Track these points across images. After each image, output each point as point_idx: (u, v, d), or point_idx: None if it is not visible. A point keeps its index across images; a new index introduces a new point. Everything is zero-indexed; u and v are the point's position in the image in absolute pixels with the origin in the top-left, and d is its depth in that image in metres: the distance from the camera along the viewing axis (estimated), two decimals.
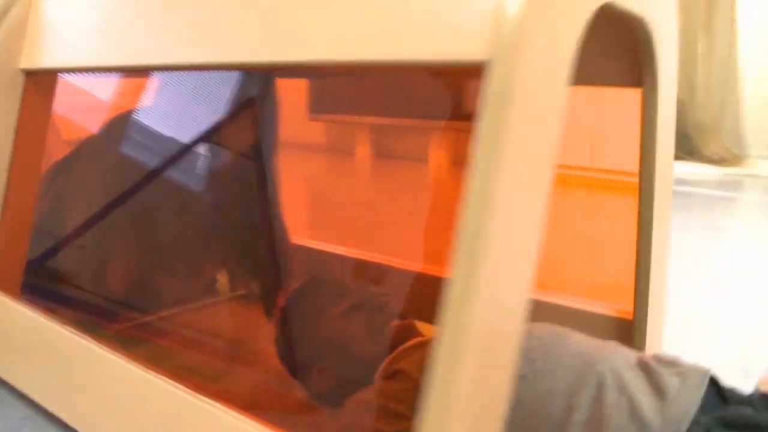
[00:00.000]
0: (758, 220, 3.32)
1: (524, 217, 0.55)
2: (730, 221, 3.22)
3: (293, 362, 1.00)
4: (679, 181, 4.36)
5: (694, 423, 0.71)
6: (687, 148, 5.35)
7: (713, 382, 0.76)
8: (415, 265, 1.27)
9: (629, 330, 0.97)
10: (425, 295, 1.22)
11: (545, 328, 0.87)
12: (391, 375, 0.87)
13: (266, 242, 1.29)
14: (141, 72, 1.16)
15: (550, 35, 0.53)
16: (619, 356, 0.79)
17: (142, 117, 1.29)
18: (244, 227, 1.29)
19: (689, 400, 0.73)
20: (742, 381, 0.89)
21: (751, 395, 0.78)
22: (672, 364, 0.79)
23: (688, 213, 3.32)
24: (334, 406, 0.90)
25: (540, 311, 1.15)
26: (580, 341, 0.83)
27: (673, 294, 1.91)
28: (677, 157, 5.21)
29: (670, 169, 0.95)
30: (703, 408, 0.73)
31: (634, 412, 0.72)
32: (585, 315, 1.07)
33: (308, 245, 1.42)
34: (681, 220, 3.11)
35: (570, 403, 0.74)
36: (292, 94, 1.43)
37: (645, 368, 0.76)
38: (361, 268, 1.33)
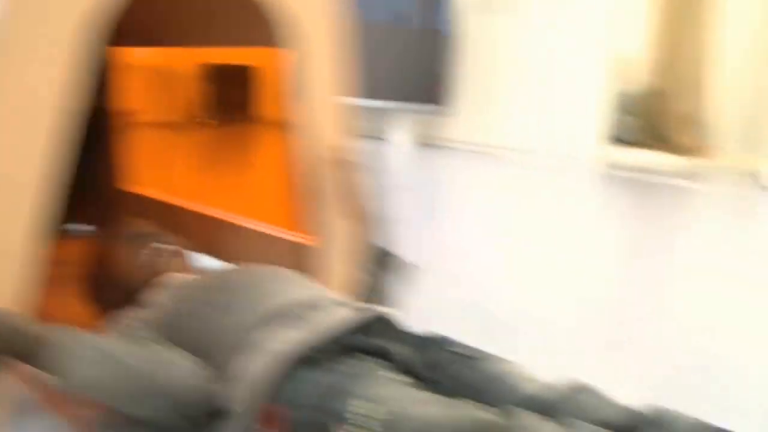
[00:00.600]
0: (718, 213, 3.51)
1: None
2: (690, 212, 3.43)
3: (94, 286, 1.20)
4: (646, 170, 4.54)
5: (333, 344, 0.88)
6: (660, 137, 5.51)
7: (382, 321, 0.97)
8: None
9: (308, 253, 1.29)
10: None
11: (259, 270, 1.04)
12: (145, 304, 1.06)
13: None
14: None
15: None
16: (304, 297, 0.96)
17: None
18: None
19: (329, 328, 0.90)
20: None
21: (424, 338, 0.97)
22: (346, 303, 1.01)
23: (652, 201, 3.53)
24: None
25: (237, 235, 1.45)
26: (283, 282, 1.01)
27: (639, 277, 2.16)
28: (647, 146, 5.38)
29: (324, 116, 1.24)
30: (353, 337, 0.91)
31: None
32: (276, 240, 1.37)
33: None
34: (643, 208, 3.35)
35: (244, 337, 0.90)
36: None
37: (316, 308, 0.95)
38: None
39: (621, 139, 5.83)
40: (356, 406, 0.78)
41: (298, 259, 1.32)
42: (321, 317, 0.94)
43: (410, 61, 4.36)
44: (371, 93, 4.48)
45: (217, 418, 0.87)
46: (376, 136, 4.88)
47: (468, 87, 4.55)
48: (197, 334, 0.95)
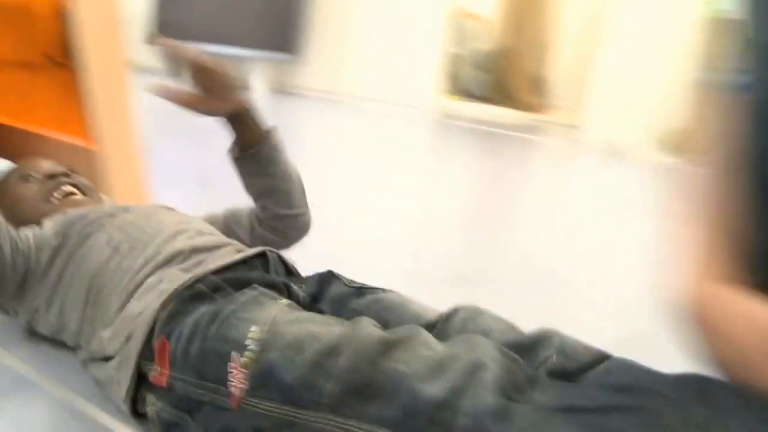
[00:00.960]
0: (549, 162, 3.88)
1: None
2: (526, 160, 3.76)
3: None
4: (490, 123, 4.91)
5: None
6: (506, 93, 5.91)
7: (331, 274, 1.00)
8: None
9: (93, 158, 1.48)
10: None
11: (157, 213, 1.06)
12: None
13: None
14: None
15: None
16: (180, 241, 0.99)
17: None
18: None
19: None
20: None
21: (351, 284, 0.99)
22: (239, 245, 1.04)
23: (500, 151, 3.84)
24: None
25: (27, 141, 1.61)
26: (181, 226, 1.03)
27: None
28: (494, 101, 5.75)
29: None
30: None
31: None
32: (64, 144, 1.56)
33: None
34: (485, 156, 3.63)
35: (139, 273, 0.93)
36: None
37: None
38: None
39: (470, 93, 6.22)
40: (245, 331, 0.76)
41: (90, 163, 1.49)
42: (211, 257, 0.95)
43: (266, 11, 4.44)
44: (230, 41, 4.53)
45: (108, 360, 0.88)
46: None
47: (320, 37, 4.69)
48: (91, 273, 0.94)
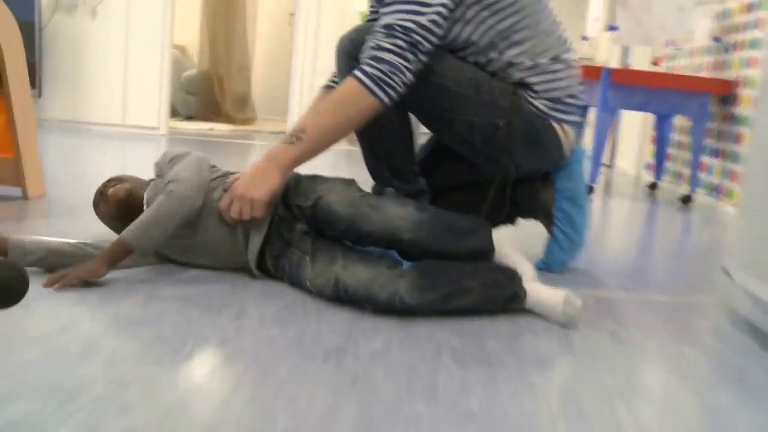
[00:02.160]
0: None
1: None
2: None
3: None
4: (210, 135, 5.68)
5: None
6: (220, 112, 6.88)
7: None
8: None
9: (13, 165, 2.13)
10: None
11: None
12: None
13: None
14: None
15: None
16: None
17: None
18: None
19: None
20: None
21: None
22: None
23: (224, 155, 4.52)
24: None
25: None
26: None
27: None
28: (207, 119, 6.65)
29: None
30: None
31: None
32: None
33: None
34: (219, 160, 4.12)
35: None
36: None
37: None
38: None
39: (190, 113, 7.02)
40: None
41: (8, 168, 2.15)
42: None
43: None
44: None
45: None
46: None
47: (57, 73, 5.24)
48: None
